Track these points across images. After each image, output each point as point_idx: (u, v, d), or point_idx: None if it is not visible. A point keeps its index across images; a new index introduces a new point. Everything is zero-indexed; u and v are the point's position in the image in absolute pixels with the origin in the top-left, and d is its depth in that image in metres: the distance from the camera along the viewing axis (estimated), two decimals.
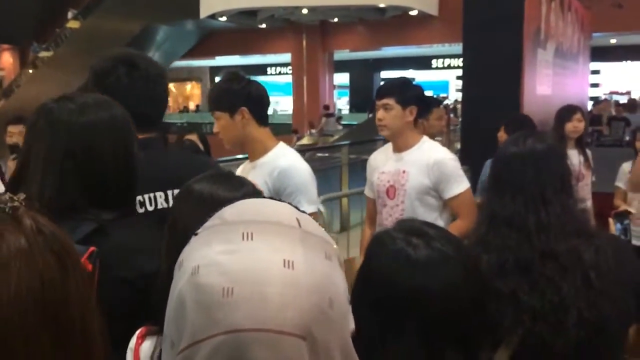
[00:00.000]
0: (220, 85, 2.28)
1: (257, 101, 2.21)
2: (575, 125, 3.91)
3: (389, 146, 2.80)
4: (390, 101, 2.64)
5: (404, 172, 2.68)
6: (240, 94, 2.16)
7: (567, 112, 3.94)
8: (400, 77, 2.90)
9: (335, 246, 0.58)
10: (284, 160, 2.21)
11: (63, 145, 1.22)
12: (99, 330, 0.63)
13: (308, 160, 7.67)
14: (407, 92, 2.68)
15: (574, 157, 3.63)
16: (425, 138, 2.78)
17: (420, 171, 2.64)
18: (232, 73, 2.27)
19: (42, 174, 1.21)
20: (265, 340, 0.48)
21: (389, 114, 2.65)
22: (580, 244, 1.45)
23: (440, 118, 4.13)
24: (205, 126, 15.56)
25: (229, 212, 0.57)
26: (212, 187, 1.05)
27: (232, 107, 2.16)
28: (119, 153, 1.28)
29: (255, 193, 1.13)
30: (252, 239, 0.53)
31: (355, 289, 1.02)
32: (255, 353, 0.48)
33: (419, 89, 2.79)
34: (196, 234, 0.56)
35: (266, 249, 0.52)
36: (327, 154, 9.07)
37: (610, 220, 2.29)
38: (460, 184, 2.64)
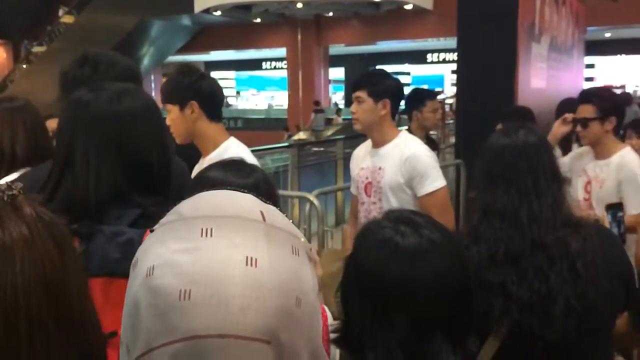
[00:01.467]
0: (171, 77, 2.24)
1: (208, 96, 2.17)
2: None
3: (370, 141, 2.72)
4: (362, 94, 2.54)
5: (380, 168, 2.59)
6: (190, 88, 2.11)
7: (573, 106, 3.84)
8: (375, 69, 2.77)
9: (303, 240, 0.54)
10: (229, 155, 2.08)
11: (109, 134, 1.25)
12: (96, 319, 0.64)
13: (304, 155, 7.65)
14: (379, 85, 2.56)
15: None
16: (403, 133, 2.68)
17: (394, 167, 2.54)
18: (186, 66, 2.25)
19: (89, 164, 1.23)
20: (226, 347, 0.45)
21: (361, 107, 2.56)
22: (568, 234, 1.47)
23: (434, 111, 4.06)
24: None
25: (187, 206, 0.53)
26: (225, 174, 1.07)
27: (182, 101, 2.13)
28: (157, 139, 1.31)
29: (266, 180, 1.16)
30: (211, 235, 0.49)
31: (344, 279, 1.03)
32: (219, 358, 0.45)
33: (393, 81, 2.66)
34: (152, 231, 0.53)
35: (226, 246, 0.48)
36: (322, 149, 9.09)
37: (604, 212, 2.31)
38: (434, 182, 2.51)
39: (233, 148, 2.20)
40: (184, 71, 2.19)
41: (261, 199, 0.55)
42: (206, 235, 0.49)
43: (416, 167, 2.50)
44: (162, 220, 0.53)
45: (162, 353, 0.46)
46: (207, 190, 0.56)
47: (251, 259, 0.48)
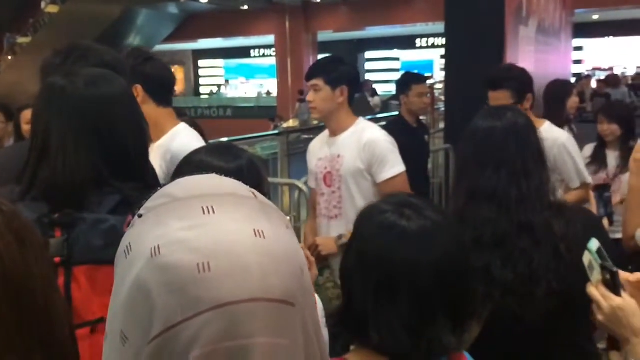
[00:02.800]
0: None
1: (155, 80, 2.10)
2: (575, 101, 3.85)
3: (327, 131, 2.66)
4: (318, 82, 2.49)
5: (338, 156, 2.53)
6: (134, 71, 1.99)
7: (567, 89, 3.82)
8: (330, 56, 2.72)
9: (288, 218, 0.57)
10: (176, 142, 2.05)
11: (84, 119, 1.23)
12: (63, 310, 0.63)
13: (293, 143, 7.62)
14: (335, 72, 2.51)
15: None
16: (361, 119, 2.64)
17: (354, 154, 2.49)
18: (134, 49, 2.20)
19: (67, 149, 1.22)
20: (258, 310, 0.46)
21: (318, 95, 2.51)
22: (552, 217, 1.47)
23: (421, 95, 4.04)
24: (189, 110, 15.44)
25: (177, 188, 0.53)
26: (210, 158, 1.07)
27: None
28: (134, 123, 1.30)
29: (251, 165, 1.15)
30: (213, 212, 0.50)
31: (345, 264, 1.03)
32: (251, 325, 0.46)
33: (349, 67, 2.63)
34: (140, 216, 0.52)
35: (232, 220, 0.49)
36: (311, 136, 9.05)
37: (591, 192, 2.32)
38: (393, 167, 2.47)
39: (182, 134, 2.15)
40: (130, 54, 2.14)
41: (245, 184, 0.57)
42: (208, 213, 0.49)
43: (375, 153, 2.46)
44: (149, 205, 0.53)
45: (186, 327, 0.45)
46: (192, 174, 0.56)
47: (258, 231, 0.49)
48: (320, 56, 20.69)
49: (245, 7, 17.86)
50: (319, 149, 2.68)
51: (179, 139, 2.08)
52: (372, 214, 1.03)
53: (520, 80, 2.64)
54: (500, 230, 1.46)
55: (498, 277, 1.41)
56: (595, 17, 17.80)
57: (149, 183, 1.31)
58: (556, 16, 6.36)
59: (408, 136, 3.85)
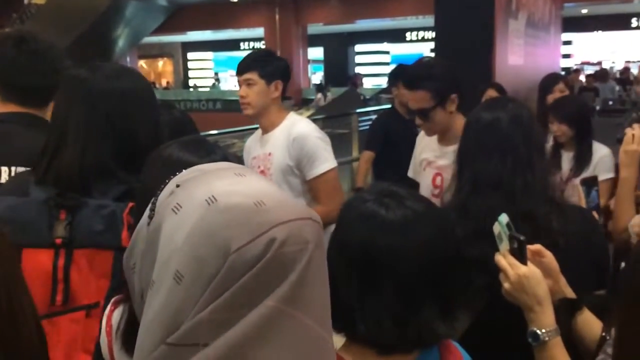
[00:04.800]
0: None
1: None
2: (556, 98, 3.49)
3: (260, 129, 2.58)
4: (252, 76, 2.38)
5: (269, 154, 2.44)
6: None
7: (548, 83, 3.70)
8: (262, 49, 2.63)
9: None
10: None
11: (103, 111, 1.28)
12: (29, 308, 0.63)
13: None
14: (270, 65, 2.42)
15: None
16: (292, 114, 2.54)
17: (283, 150, 2.39)
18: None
19: (80, 138, 1.26)
20: (308, 225, 0.61)
21: (252, 90, 2.40)
22: (552, 210, 1.48)
23: None
24: (178, 103, 15.35)
25: (202, 167, 0.66)
26: (180, 152, 1.05)
27: None
28: (149, 119, 1.34)
29: (225, 160, 1.13)
30: (244, 176, 0.64)
31: (329, 255, 1.02)
32: (307, 234, 0.61)
33: (282, 61, 2.52)
34: (178, 186, 0.63)
35: (259, 180, 0.65)
36: None
37: (579, 187, 2.33)
38: (323, 163, 2.36)
39: None
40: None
41: None
42: (241, 176, 0.64)
43: (304, 148, 2.35)
44: (181, 179, 0.64)
45: (253, 246, 0.57)
46: (163, 169, 0.67)
47: (279, 188, 0.67)
48: (310, 49, 20.65)
49: None
50: (252, 148, 2.59)
51: None
52: (353, 203, 1.03)
53: (442, 80, 2.26)
54: None
55: (496, 268, 1.41)
56: (584, 11, 17.87)
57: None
58: (545, 10, 6.38)
59: (401, 130, 3.86)
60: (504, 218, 1.28)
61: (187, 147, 1.07)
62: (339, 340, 1.01)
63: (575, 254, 1.43)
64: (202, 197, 0.60)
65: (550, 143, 3.19)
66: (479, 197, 1.50)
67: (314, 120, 9.23)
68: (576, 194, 2.32)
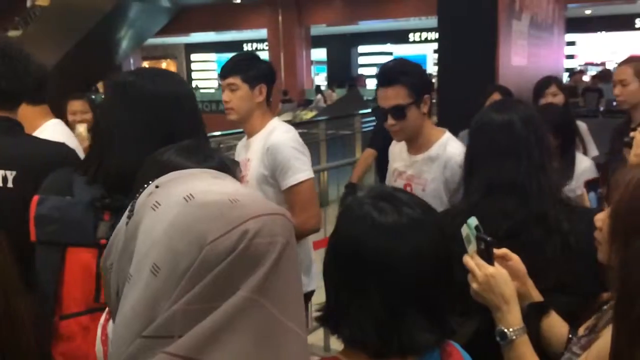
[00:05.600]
0: None
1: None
2: (549, 102, 3.38)
3: None
4: (235, 80, 2.31)
5: (248, 160, 2.38)
6: None
7: (540, 87, 3.58)
8: (245, 52, 2.51)
9: None
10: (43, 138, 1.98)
11: (148, 114, 1.34)
12: (27, 313, 0.63)
13: None
14: (253, 69, 2.35)
15: None
16: (275, 120, 2.45)
17: (259, 158, 2.33)
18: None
19: (126, 140, 1.32)
20: (280, 220, 0.65)
21: (235, 94, 2.34)
22: (562, 212, 1.47)
23: None
24: None
25: (179, 172, 0.69)
26: (178, 158, 1.05)
27: None
28: (192, 121, 1.40)
29: (222, 168, 1.12)
30: (222, 180, 0.69)
31: (325, 256, 1.02)
32: (279, 228, 0.64)
33: (266, 64, 2.45)
34: (157, 187, 0.67)
35: (237, 184, 0.70)
36: (305, 130, 9.05)
37: (584, 189, 2.31)
38: (296, 174, 2.28)
39: (48, 131, 2.11)
40: None
41: None
42: (218, 179, 0.69)
43: (277, 158, 2.27)
44: (162, 181, 0.68)
45: (227, 238, 0.60)
46: (160, 174, 0.69)
47: (252, 190, 0.76)
48: (313, 50, 20.65)
49: (238, 1, 17.78)
50: (239, 152, 2.55)
51: (45, 136, 2.03)
52: (351, 206, 1.03)
53: (417, 77, 2.16)
54: (517, 222, 1.45)
55: None
56: (588, 11, 17.83)
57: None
58: (549, 10, 6.36)
59: None
60: (473, 221, 1.30)
61: (184, 152, 1.07)
62: (340, 345, 1.00)
63: (584, 254, 1.42)
64: (181, 195, 0.63)
65: None
66: (492, 200, 1.48)
67: (317, 122, 9.24)
68: None
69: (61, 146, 1.80)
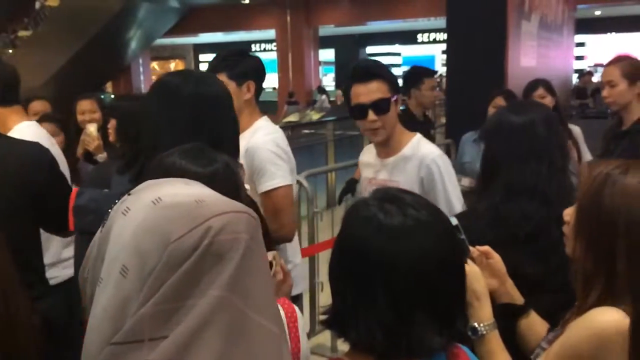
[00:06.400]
0: None
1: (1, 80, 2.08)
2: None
3: None
4: (221, 77, 2.11)
5: None
6: None
7: (526, 90, 3.51)
8: (231, 49, 2.40)
9: None
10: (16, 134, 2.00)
11: (193, 114, 1.39)
12: (25, 311, 0.64)
13: (294, 137, 7.58)
14: (239, 65, 2.24)
15: None
16: (261, 120, 2.30)
17: (242, 158, 2.19)
18: None
19: (177, 141, 1.32)
20: (244, 217, 0.67)
21: None
22: None
23: (432, 88, 4.11)
24: None
25: (154, 181, 0.72)
26: (182, 160, 1.05)
27: None
28: (231, 122, 1.48)
29: (227, 170, 1.12)
30: (193, 185, 0.71)
31: (332, 258, 1.01)
32: (242, 225, 0.65)
33: (254, 60, 2.32)
34: (129, 194, 0.69)
35: (207, 189, 0.71)
36: (312, 130, 9.04)
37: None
38: (270, 180, 2.14)
39: (21, 132, 2.10)
40: None
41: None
42: (188, 185, 0.72)
43: (254, 161, 2.15)
44: (135, 190, 0.70)
45: (192, 235, 0.62)
46: (165, 177, 0.72)
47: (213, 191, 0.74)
48: (321, 51, 20.65)
49: (247, 1, 17.80)
50: None
51: (17, 136, 2.01)
52: (357, 207, 1.02)
53: (393, 76, 2.13)
54: (539, 225, 1.44)
55: (530, 273, 1.40)
56: (598, 12, 17.73)
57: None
58: (558, 11, 6.34)
59: (414, 127, 3.85)
60: (453, 220, 1.33)
61: (189, 156, 1.07)
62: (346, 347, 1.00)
63: None
64: (149, 199, 0.65)
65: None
66: (514, 202, 1.47)
67: (325, 123, 9.21)
68: None
69: (35, 145, 1.82)
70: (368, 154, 2.33)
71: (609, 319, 1.08)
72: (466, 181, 3.09)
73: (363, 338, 0.93)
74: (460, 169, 3.49)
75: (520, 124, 1.54)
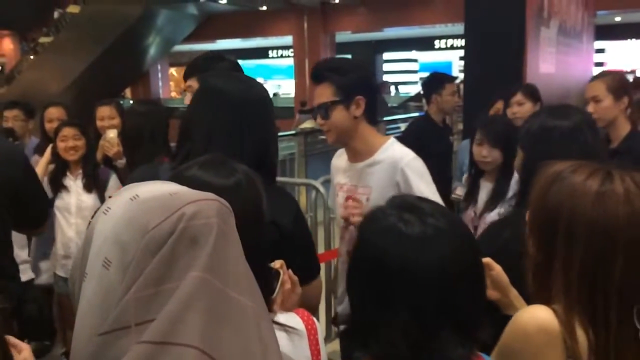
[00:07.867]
0: None
1: None
2: (514, 112, 3.19)
3: None
4: (193, 83, 2.10)
5: None
6: None
7: (508, 96, 3.37)
8: (210, 51, 2.35)
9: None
10: None
11: (240, 117, 1.43)
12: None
13: (310, 143, 7.59)
14: (213, 69, 2.15)
15: None
16: None
17: None
18: None
19: (228, 142, 1.40)
20: (215, 204, 0.71)
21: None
22: None
23: (453, 94, 4.11)
24: None
25: (135, 183, 0.75)
26: (205, 174, 1.03)
27: None
28: (272, 124, 1.53)
29: (248, 180, 1.09)
30: (169, 184, 0.75)
31: (350, 269, 1.00)
32: (214, 210, 0.70)
33: (229, 63, 2.29)
34: (110, 197, 0.74)
35: (175, 185, 0.75)
36: None
37: None
38: None
39: None
40: None
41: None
42: (166, 184, 0.75)
43: None
44: (117, 192, 0.74)
45: (168, 222, 0.66)
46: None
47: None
48: (338, 57, 20.65)
49: (264, 8, 17.89)
50: None
51: None
52: (375, 217, 1.01)
53: (349, 76, 2.00)
54: None
55: None
56: (618, 19, 17.54)
57: (274, 179, 1.56)
58: (578, 17, 6.28)
59: (435, 138, 3.85)
60: None
61: (209, 167, 1.05)
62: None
63: None
64: (128, 197, 0.70)
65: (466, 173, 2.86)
66: None
67: None
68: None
69: (6, 141, 1.87)
70: (339, 159, 2.27)
71: (532, 316, 1.08)
72: (462, 190, 3.04)
73: (387, 351, 0.92)
74: (459, 178, 3.46)
75: (566, 128, 1.50)
